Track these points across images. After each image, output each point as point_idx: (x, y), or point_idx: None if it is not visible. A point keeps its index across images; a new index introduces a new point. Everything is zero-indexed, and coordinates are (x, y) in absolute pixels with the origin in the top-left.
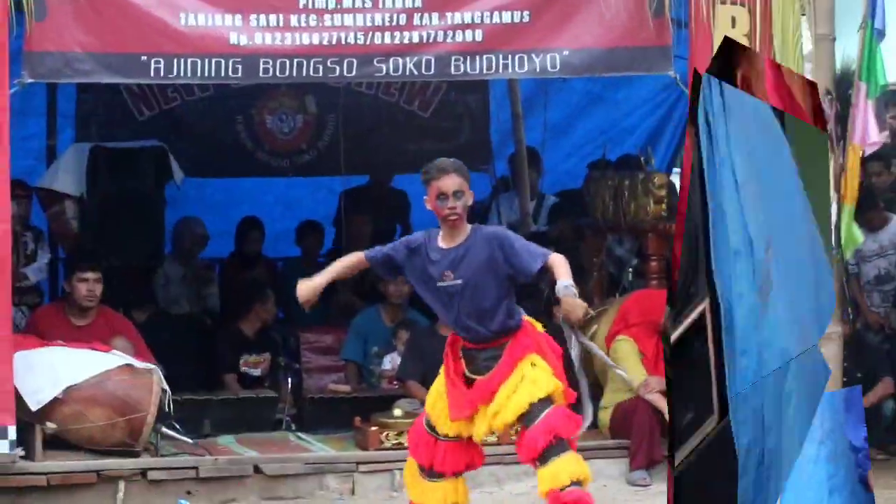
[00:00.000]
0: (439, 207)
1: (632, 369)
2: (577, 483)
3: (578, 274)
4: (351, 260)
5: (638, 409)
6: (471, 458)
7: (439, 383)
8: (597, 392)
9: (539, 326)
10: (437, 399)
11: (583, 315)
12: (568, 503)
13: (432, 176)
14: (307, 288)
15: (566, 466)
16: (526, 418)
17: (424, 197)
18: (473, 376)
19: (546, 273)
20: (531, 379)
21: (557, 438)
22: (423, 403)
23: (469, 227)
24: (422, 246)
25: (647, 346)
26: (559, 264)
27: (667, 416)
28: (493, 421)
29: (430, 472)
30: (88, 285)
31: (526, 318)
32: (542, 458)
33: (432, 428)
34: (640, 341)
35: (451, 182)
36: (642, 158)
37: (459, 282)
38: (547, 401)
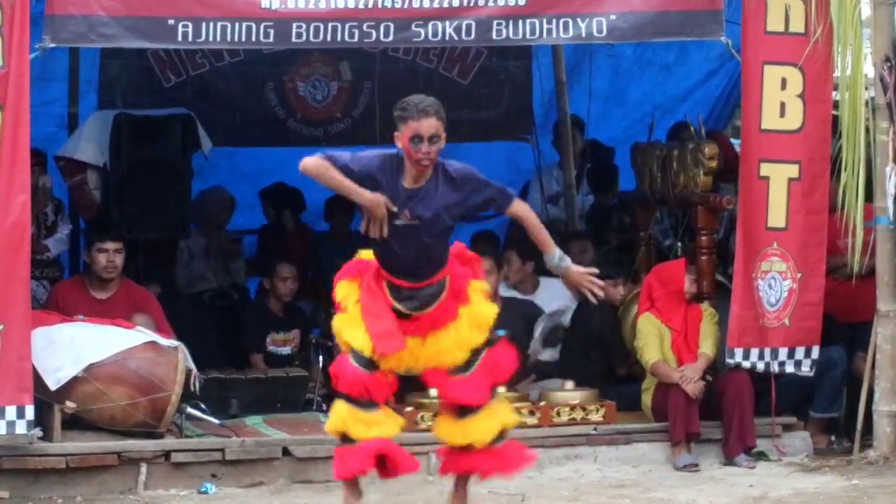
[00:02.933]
0: (412, 150)
1: (648, 350)
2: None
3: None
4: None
5: (672, 389)
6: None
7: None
8: (639, 373)
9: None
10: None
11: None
12: (497, 454)
13: (411, 115)
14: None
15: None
16: (466, 364)
17: (396, 133)
18: (409, 312)
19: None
20: (476, 320)
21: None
22: None
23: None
24: (383, 177)
25: (674, 316)
26: (536, 224)
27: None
28: (437, 359)
29: (366, 403)
30: (108, 256)
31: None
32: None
33: (366, 363)
34: (666, 313)
35: (429, 125)
36: (693, 129)
37: (416, 222)
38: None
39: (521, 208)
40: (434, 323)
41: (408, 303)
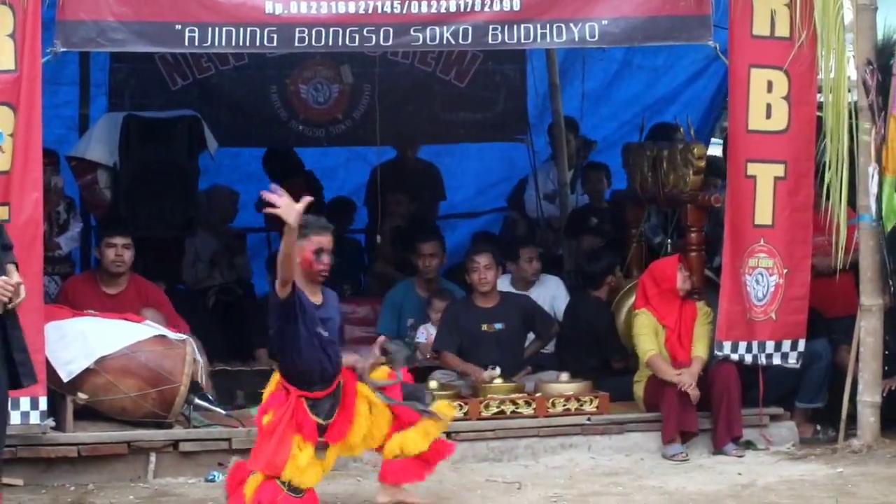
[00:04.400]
0: (315, 262)
1: (645, 341)
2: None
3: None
4: None
5: (666, 387)
6: None
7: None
8: (631, 365)
9: None
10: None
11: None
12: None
13: (313, 231)
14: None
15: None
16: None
17: (298, 247)
18: (325, 423)
19: None
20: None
21: None
22: (459, 374)
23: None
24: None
25: (668, 313)
26: None
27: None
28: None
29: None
30: (116, 250)
31: None
32: None
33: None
34: (660, 311)
35: (328, 240)
36: (682, 129)
37: (326, 334)
38: None
39: None
40: (342, 431)
41: (323, 414)
